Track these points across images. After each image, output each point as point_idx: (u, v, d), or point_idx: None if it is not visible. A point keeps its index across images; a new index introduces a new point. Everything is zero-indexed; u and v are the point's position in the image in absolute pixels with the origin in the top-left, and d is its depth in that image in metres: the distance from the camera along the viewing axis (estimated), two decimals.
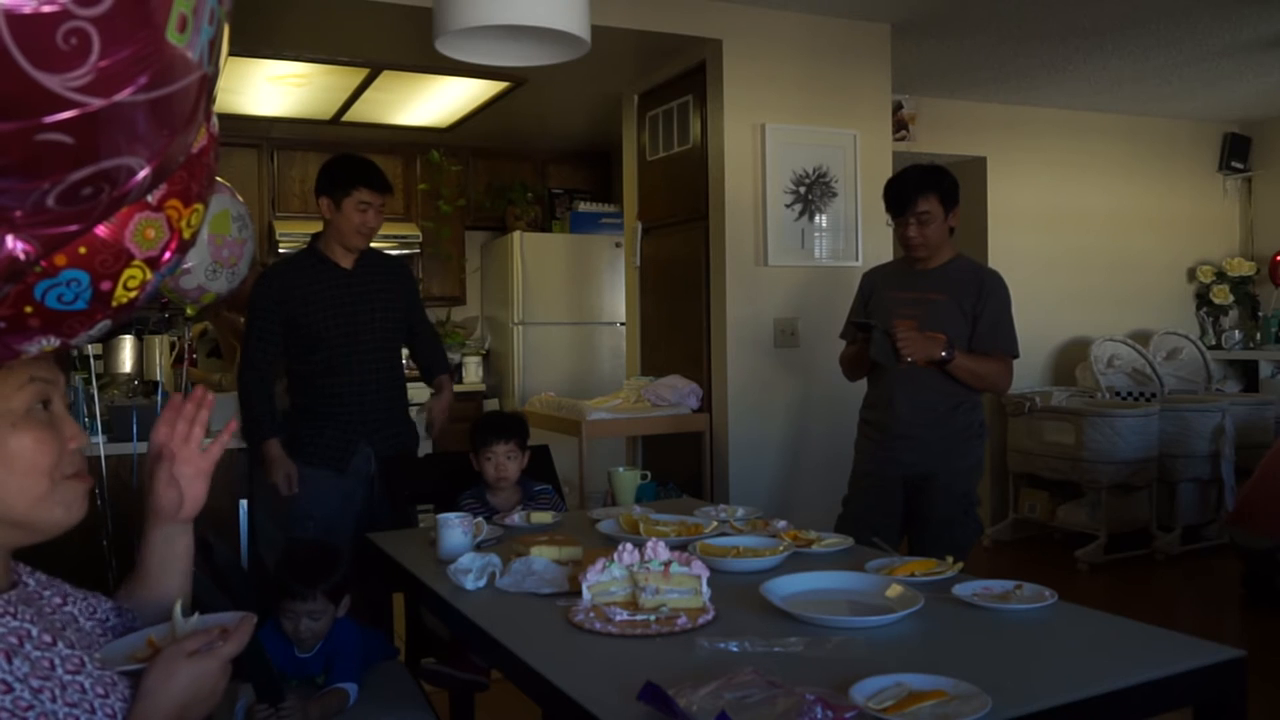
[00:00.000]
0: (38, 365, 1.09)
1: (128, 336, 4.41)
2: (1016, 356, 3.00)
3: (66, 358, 1.21)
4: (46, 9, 0.64)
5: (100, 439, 2.94)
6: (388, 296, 3.12)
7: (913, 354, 2.85)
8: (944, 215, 2.96)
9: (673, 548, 1.81)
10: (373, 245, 3.14)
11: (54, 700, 1.00)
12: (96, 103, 0.71)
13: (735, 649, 1.51)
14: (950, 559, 1.98)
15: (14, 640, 1.02)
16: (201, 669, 1.09)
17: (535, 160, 6.33)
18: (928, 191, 2.93)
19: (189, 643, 1.10)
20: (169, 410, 1.32)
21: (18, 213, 0.78)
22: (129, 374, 4.30)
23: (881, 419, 3.06)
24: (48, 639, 1.05)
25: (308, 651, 2.15)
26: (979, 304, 2.94)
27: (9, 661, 0.99)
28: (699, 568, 1.74)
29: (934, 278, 3.00)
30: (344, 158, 3.10)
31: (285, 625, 2.11)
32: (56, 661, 1.03)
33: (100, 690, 1.05)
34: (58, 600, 1.18)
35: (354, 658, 2.14)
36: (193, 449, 1.32)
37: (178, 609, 1.19)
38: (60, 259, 0.98)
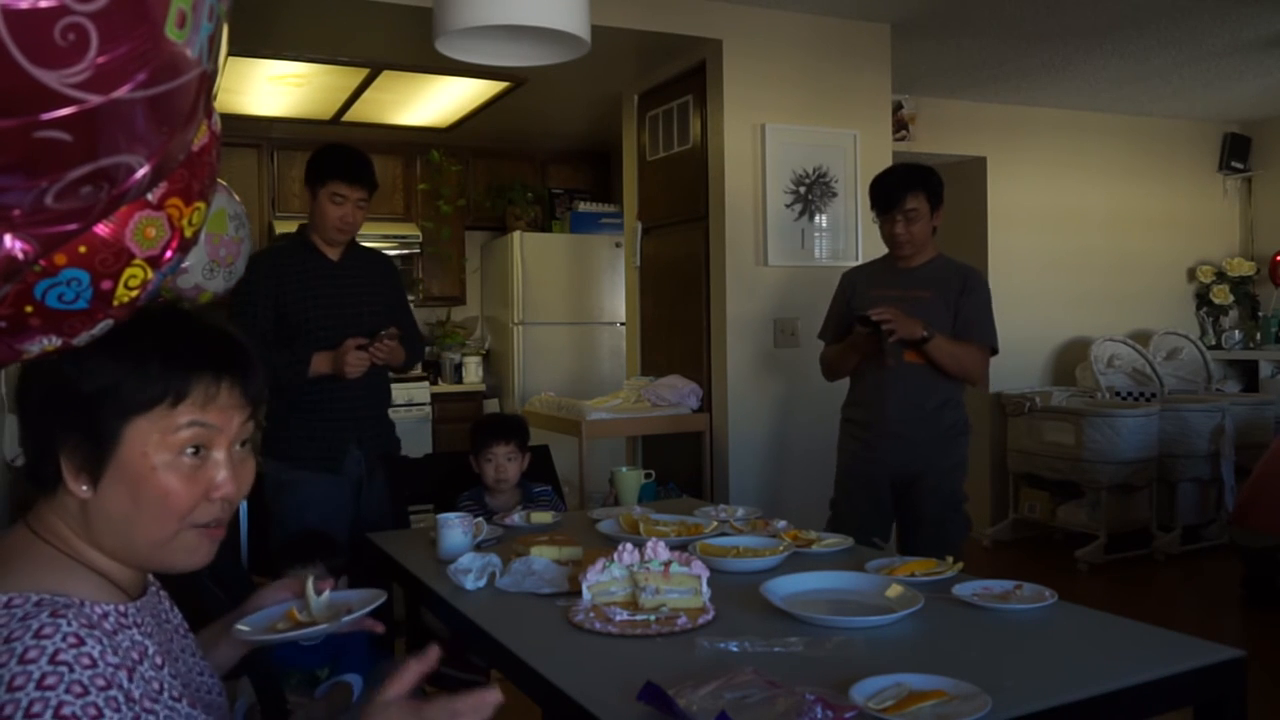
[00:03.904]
0: (208, 409, 1.04)
1: None
2: (995, 351, 3.03)
3: (260, 398, 1.15)
4: (44, 4, 0.64)
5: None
6: (375, 292, 3.04)
7: (897, 330, 2.85)
8: (930, 213, 3.00)
9: (673, 548, 1.81)
10: (373, 245, 3.10)
11: None
12: (95, 99, 0.70)
13: (735, 649, 1.51)
14: (950, 559, 1.99)
15: (135, 655, 0.99)
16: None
17: (535, 160, 6.32)
18: (915, 189, 2.96)
19: (397, 689, 1.05)
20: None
21: (16, 211, 0.78)
22: None
23: (868, 418, 3.07)
24: (159, 660, 1.01)
25: (310, 640, 2.14)
26: (961, 298, 2.98)
27: (129, 679, 0.94)
28: (699, 568, 1.74)
29: (917, 275, 3.03)
30: (327, 148, 2.99)
31: None
32: (164, 685, 1.00)
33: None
34: (176, 620, 1.17)
35: (360, 650, 2.14)
36: None
37: (310, 586, 1.18)
38: (60, 258, 0.97)
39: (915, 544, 2.92)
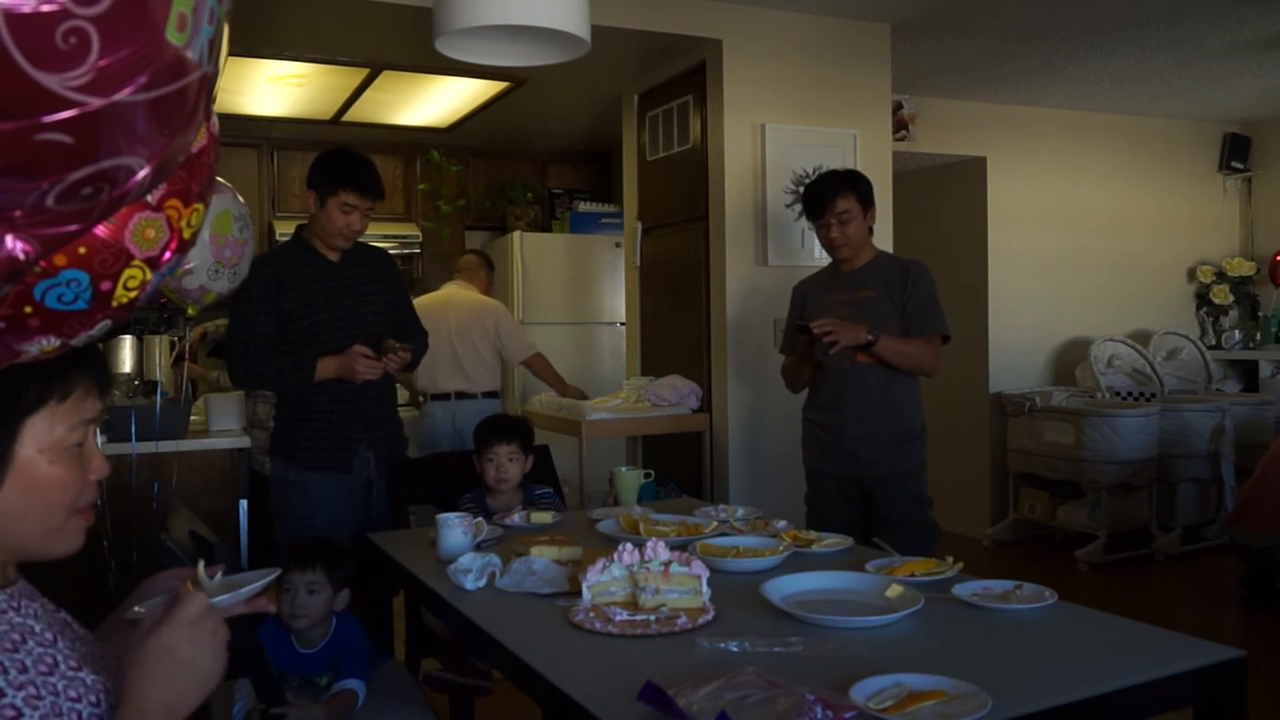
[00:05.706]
0: (90, 406, 1.10)
1: (127, 336, 4.41)
2: (948, 337, 3.06)
3: (110, 382, 1.23)
4: (46, 8, 0.64)
5: (100, 439, 2.93)
6: (378, 289, 3.01)
7: (839, 340, 2.87)
8: (862, 214, 3.06)
9: (673, 548, 1.81)
10: (367, 241, 3.08)
11: (57, 695, 1.00)
12: (96, 102, 0.70)
13: (735, 649, 1.51)
14: (950, 559, 1.99)
15: (16, 637, 1.01)
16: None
17: (535, 160, 6.33)
18: (844, 191, 3.04)
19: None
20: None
21: (17, 212, 0.78)
22: (129, 374, 4.30)
23: (829, 420, 3.11)
24: (50, 636, 1.04)
25: (309, 647, 2.14)
26: (906, 292, 3.01)
27: (11, 659, 0.98)
28: (699, 568, 1.74)
29: (861, 276, 3.08)
30: (338, 153, 2.94)
31: (283, 604, 2.11)
32: (60, 658, 1.03)
33: (94, 697, 1.04)
34: (53, 606, 1.17)
35: (361, 656, 2.14)
36: None
37: (201, 569, 1.19)
38: (60, 259, 0.98)
39: (888, 544, 2.94)
